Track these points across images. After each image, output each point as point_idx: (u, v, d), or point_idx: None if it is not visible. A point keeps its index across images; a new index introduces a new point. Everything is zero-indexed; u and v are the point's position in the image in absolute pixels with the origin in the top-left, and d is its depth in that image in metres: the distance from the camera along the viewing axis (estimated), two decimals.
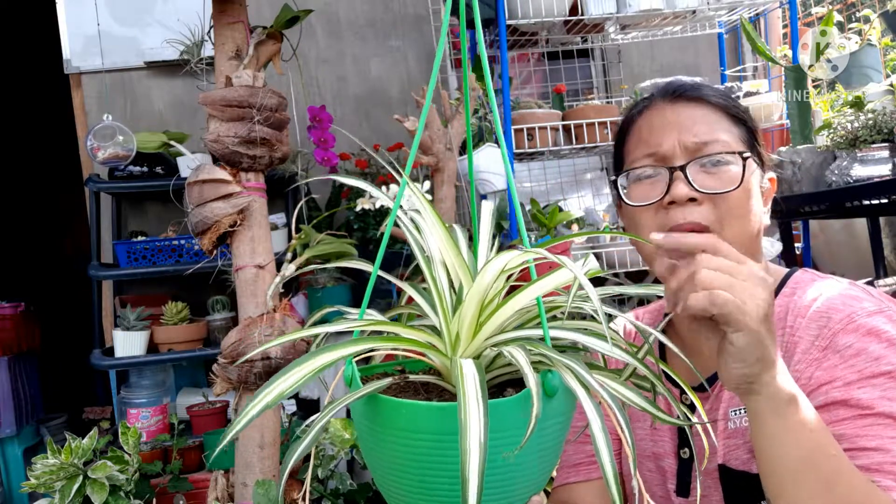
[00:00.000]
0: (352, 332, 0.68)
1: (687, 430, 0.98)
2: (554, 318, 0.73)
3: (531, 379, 0.56)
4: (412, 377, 0.71)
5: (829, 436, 0.75)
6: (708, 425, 0.89)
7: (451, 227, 0.74)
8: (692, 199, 0.90)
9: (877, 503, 0.73)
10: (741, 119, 0.97)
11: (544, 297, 0.71)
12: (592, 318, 0.72)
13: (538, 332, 0.67)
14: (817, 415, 0.75)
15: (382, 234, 0.71)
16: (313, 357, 0.62)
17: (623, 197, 0.98)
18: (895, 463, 0.76)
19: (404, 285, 0.76)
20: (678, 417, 1.00)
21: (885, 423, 0.78)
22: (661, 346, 1.06)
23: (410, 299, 0.76)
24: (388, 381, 0.67)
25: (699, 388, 0.97)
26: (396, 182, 1.78)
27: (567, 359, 0.62)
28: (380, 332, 0.68)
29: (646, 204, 0.94)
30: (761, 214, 0.95)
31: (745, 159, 0.91)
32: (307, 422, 0.65)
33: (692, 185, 0.90)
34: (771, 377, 0.73)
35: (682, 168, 0.91)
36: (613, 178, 1.01)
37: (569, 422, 0.68)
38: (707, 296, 0.70)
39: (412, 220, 0.75)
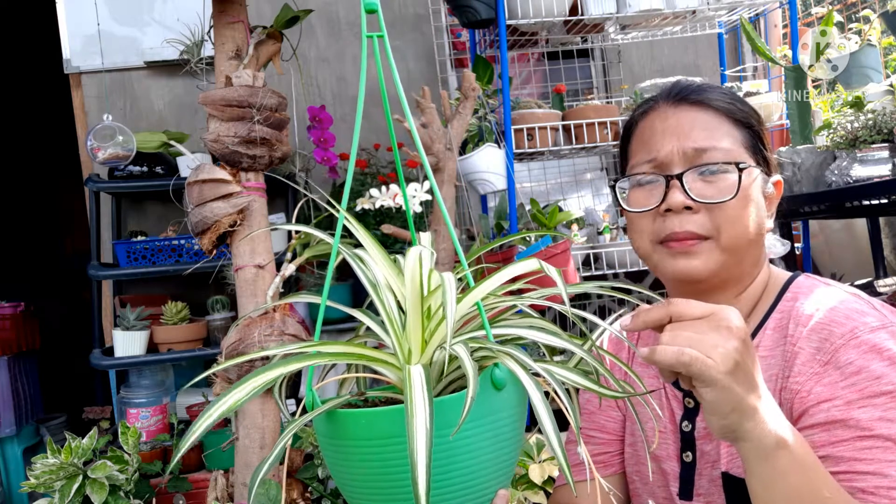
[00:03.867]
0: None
1: (683, 432, 0.98)
2: (501, 319, 0.77)
3: (468, 364, 0.60)
4: (370, 393, 0.76)
5: (824, 476, 0.74)
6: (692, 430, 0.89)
7: (395, 260, 0.78)
8: (688, 208, 0.90)
9: None
10: (746, 123, 0.95)
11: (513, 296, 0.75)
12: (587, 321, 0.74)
13: (494, 332, 0.71)
14: (813, 456, 0.74)
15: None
16: (261, 373, 0.66)
17: (622, 202, 0.98)
18: (891, 488, 0.76)
19: (356, 312, 0.80)
20: (669, 411, 1.00)
21: (883, 447, 0.77)
22: None
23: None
24: (346, 398, 0.72)
25: None
26: (396, 182, 1.78)
27: (508, 348, 0.65)
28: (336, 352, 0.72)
29: (643, 210, 0.94)
30: (762, 220, 0.94)
31: (741, 170, 0.90)
32: (284, 433, 0.68)
33: (688, 194, 0.90)
34: (753, 424, 0.71)
35: (679, 176, 0.91)
36: (612, 182, 1.01)
37: (524, 414, 0.71)
38: (675, 352, 0.68)
39: (356, 255, 0.79)
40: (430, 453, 0.54)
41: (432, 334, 0.70)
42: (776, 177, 0.99)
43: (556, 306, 0.77)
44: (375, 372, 0.73)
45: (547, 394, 0.67)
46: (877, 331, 0.83)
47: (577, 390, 0.76)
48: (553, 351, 0.76)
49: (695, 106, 0.95)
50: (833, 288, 0.93)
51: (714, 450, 0.94)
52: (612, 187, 1.01)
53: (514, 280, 0.78)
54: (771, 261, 1.10)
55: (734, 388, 0.69)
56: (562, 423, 0.69)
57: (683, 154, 0.92)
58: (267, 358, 1.31)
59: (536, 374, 0.65)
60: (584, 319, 0.76)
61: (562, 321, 2.66)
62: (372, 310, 0.77)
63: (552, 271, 0.67)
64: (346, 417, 0.67)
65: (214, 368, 0.78)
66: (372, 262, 0.76)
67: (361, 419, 0.66)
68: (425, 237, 0.83)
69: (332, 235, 0.75)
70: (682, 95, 0.97)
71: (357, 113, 0.71)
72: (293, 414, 0.72)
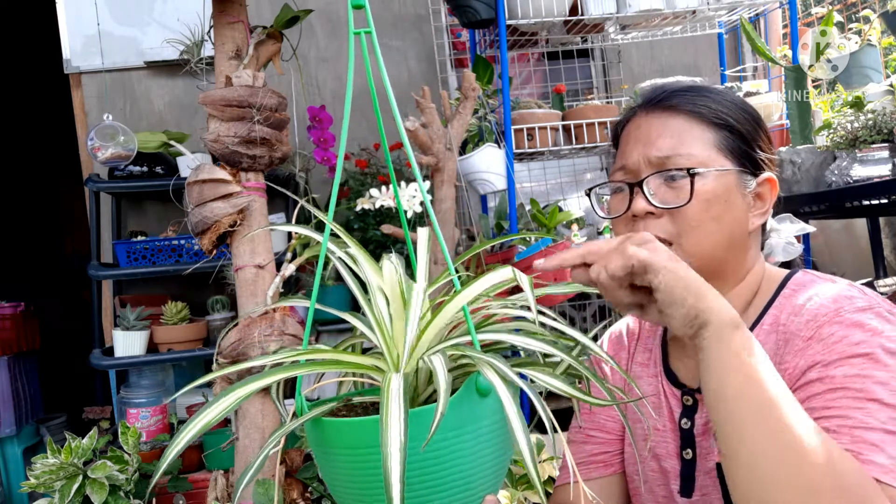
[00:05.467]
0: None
1: (682, 430, 0.98)
2: (491, 323, 0.78)
3: (441, 379, 0.59)
4: (357, 399, 0.76)
5: (773, 369, 0.75)
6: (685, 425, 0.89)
7: (380, 267, 0.79)
8: (651, 213, 0.93)
9: (821, 436, 0.70)
10: (723, 124, 0.95)
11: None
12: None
13: (480, 337, 0.72)
14: (761, 348, 0.76)
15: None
16: (243, 386, 0.67)
17: (596, 208, 1.04)
18: (854, 427, 0.75)
19: (347, 316, 0.81)
20: (668, 409, 1.00)
21: (853, 397, 0.77)
22: (664, 349, 1.07)
23: None
24: (331, 405, 0.72)
25: (700, 390, 0.98)
26: (396, 182, 1.78)
27: (489, 357, 0.65)
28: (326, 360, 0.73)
29: (614, 217, 0.99)
30: (740, 220, 0.95)
31: (692, 175, 0.91)
32: (272, 437, 0.68)
33: (649, 201, 0.93)
34: (709, 303, 0.75)
35: (639, 184, 0.94)
36: (587, 190, 1.06)
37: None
38: (620, 255, 0.75)
39: (348, 255, 0.80)
40: (404, 466, 0.54)
41: (419, 339, 0.69)
42: (765, 174, 0.98)
43: (545, 310, 0.77)
44: (367, 375, 0.74)
45: (543, 393, 0.67)
46: (862, 311, 0.84)
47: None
48: (546, 353, 0.76)
49: (666, 111, 0.97)
50: (829, 283, 0.93)
51: (711, 443, 0.95)
52: (588, 194, 1.05)
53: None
54: (788, 263, 1.11)
55: (678, 269, 0.75)
56: (562, 422, 0.69)
57: (648, 162, 0.95)
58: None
59: (524, 377, 0.65)
60: (573, 322, 0.76)
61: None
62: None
63: (524, 280, 0.67)
64: (329, 426, 0.67)
65: (213, 375, 0.78)
66: (363, 266, 0.77)
67: (343, 428, 0.67)
68: (423, 233, 0.82)
69: (316, 237, 0.76)
70: (654, 101, 0.99)
71: (345, 111, 0.71)
72: (294, 415, 0.72)
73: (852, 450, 0.73)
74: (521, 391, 0.66)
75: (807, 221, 2.55)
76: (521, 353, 0.82)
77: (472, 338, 0.70)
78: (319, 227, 1.59)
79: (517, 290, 0.77)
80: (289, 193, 1.15)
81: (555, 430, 0.63)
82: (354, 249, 0.78)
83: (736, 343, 0.74)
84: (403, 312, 0.70)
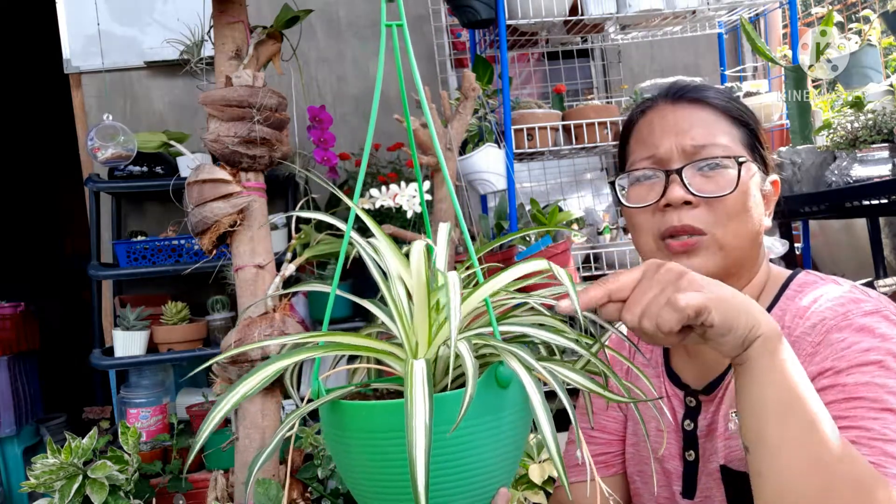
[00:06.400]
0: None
1: (685, 431, 0.98)
2: (510, 316, 0.77)
3: (468, 363, 0.59)
4: (376, 385, 0.76)
5: (809, 381, 0.73)
6: (699, 426, 0.89)
7: (406, 254, 0.78)
8: (687, 202, 0.91)
9: (851, 451, 0.70)
10: (743, 121, 0.97)
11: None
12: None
13: (501, 329, 0.71)
14: (797, 358, 0.73)
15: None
16: (271, 364, 0.67)
17: (621, 198, 0.99)
18: (873, 438, 0.75)
19: (365, 302, 0.81)
20: (671, 410, 1.01)
21: (868, 406, 0.77)
22: (666, 350, 1.06)
23: None
24: (350, 389, 0.72)
25: (704, 391, 0.97)
26: (396, 182, 1.78)
27: (513, 347, 0.65)
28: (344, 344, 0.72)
29: (642, 206, 0.95)
30: (760, 217, 0.95)
31: (740, 164, 0.91)
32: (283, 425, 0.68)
33: (687, 188, 0.91)
34: (757, 317, 0.70)
35: (679, 171, 0.92)
36: (611, 179, 1.02)
37: (529, 415, 0.70)
38: (671, 309, 0.67)
39: (369, 244, 0.78)
40: (429, 450, 0.53)
41: (440, 328, 0.69)
42: (773, 176, 1.00)
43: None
44: (382, 363, 0.73)
45: (550, 394, 0.67)
46: (870, 314, 0.84)
47: (578, 391, 0.76)
48: (563, 349, 0.75)
49: (693, 104, 0.97)
50: (834, 284, 0.93)
51: (714, 445, 0.95)
52: (612, 184, 1.02)
53: (522, 277, 0.78)
54: (771, 261, 1.10)
55: (723, 294, 0.69)
56: (559, 423, 0.69)
57: (682, 150, 0.94)
58: (268, 357, 1.31)
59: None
60: (593, 322, 0.75)
61: (570, 317, 2.66)
62: (383, 303, 0.77)
63: (562, 274, 0.65)
64: (348, 409, 0.67)
65: (215, 360, 0.78)
66: (385, 253, 0.76)
67: (362, 411, 0.66)
68: (443, 227, 0.81)
69: (339, 226, 0.75)
70: (680, 94, 0.99)
71: (374, 101, 0.71)
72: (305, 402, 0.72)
73: (873, 462, 0.73)
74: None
75: (807, 221, 2.55)
76: (542, 348, 0.82)
77: (494, 329, 0.69)
78: (319, 226, 1.58)
79: (527, 289, 0.77)
80: (299, 169, 1.14)
81: (574, 423, 0.63)
82: (377, 233, 0.77)
83: (782, 354, 0.71)
84: (426, 301, 0.69)
